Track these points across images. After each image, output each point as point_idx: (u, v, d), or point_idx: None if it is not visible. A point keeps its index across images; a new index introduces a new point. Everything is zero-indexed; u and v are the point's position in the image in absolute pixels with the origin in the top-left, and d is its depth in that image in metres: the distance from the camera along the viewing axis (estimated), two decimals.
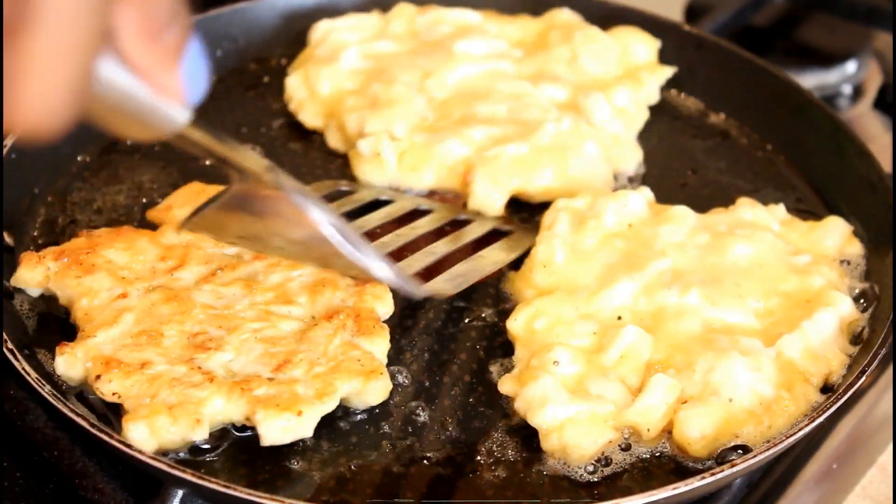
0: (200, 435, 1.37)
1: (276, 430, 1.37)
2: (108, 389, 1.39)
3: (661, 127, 1.93)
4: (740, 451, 1.40)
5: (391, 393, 1.47)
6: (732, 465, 1.35)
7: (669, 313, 1.51)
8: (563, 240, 1.61)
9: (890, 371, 1.65)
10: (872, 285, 1.62)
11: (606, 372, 1.46)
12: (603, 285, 1.54)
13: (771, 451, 1.37)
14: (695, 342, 1.48)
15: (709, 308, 1.51)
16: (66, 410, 1.36)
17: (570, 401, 1.42)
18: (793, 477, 1.52)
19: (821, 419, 1.40)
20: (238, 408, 1.38)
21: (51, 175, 1.75)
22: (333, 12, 2.01)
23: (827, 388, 1.48)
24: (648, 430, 1.41)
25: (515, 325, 1.53)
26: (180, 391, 1.38)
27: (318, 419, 1.39)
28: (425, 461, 1.42)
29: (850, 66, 2.24)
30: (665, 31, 2.02)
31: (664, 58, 2.00)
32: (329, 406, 1.40)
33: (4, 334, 1.43)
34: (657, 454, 1.42)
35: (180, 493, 1.35)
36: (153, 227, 1.63)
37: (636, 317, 1.52)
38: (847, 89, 2.24)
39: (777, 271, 1.57)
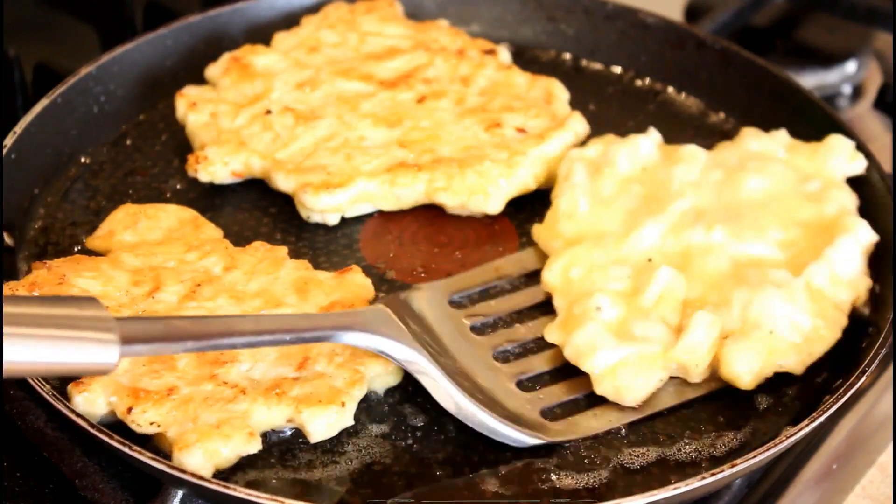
0: (255, 447, 1.36)
1: (324, 425, 1.39)
2: (144, 420, 1.36)
3: (661, 127, 1.93)
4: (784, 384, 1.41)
5: (391, 393, 1.48)
6: (732, 466, 1.35)
7: (697, 251, 1.56)
8: (584, 189, 1.65)
9: (890, 371, 1.65)
10: (872, 285, 1.62)
11: (647, 313, 1.50)
12: (629, 230, 1.60)
13: (771, 451, 1.37)
14: (726, 278, 1.53)
15: (734, 243, 1.57)
16: (66, 410, 1.36)
17: (618, 344, 1.46)
18: (793, 477, 1.52)
19: (821, 419, 1.40)
20: (280, 412, 1.38)
21: (51, 176, 1.75)
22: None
23: (855, 314, 1.55)
24: (697, 365, 1.46)
25: (551, 275, 1.57)
26: (219, 408, 1.37)
27: (356, 407, 1.42)
28: (425, 461, 1.42)
29: (850, 66, 2.24)
30: (665, 31, 2.02)
31: (664, 58, 2.01)
32: (363, 392, 1.43)
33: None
34: (654, 460, 1.43)
35: (180, 493, 1.35)
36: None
37: (665, 258, 1.57)
38: (847, 89, 2.23)
39: (792, 201, 1.62)
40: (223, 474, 1.37)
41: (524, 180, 1.73)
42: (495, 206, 1.71)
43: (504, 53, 1.95)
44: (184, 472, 1.31)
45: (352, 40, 1.93)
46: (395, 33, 1.95)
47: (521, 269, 1.64)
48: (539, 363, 1.52)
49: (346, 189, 1.68)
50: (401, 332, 1.42)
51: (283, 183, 1.70)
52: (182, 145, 1.82)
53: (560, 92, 1.88)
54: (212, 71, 1.88)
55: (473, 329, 1.55)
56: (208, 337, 1.26)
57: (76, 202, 1.74)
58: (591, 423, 1.45)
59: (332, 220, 1.70)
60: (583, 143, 1.80)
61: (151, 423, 1.36)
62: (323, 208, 1.68)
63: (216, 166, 1.72)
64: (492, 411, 1.42)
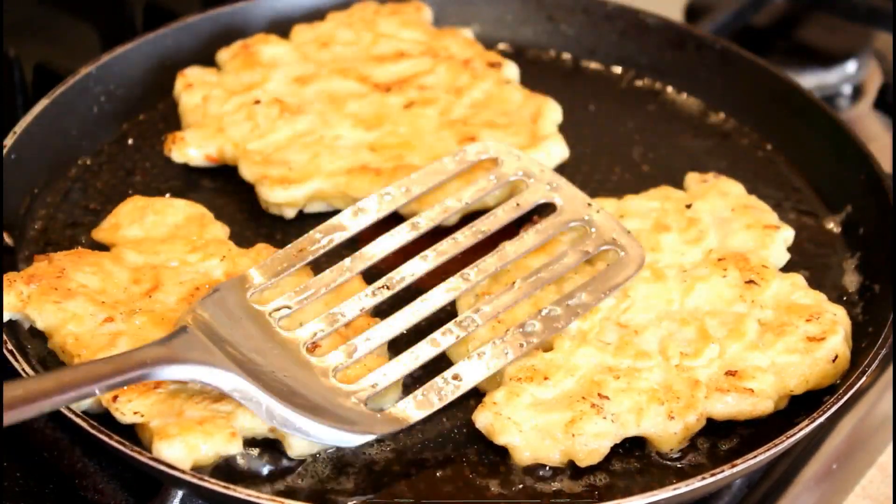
0: (235, 448, 1.36)
1: (305, 441, 1.37)
2: (128, 410, 1.36)
3: (661, 127, 1.93)
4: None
5: None
6: (732, 466, 1.35)
7: None
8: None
9: (890, 371, 1.66)
10: (872, 285, 1.62)
11: None
12: None
13: (771, 452, 1.37)
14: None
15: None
16: (65, 410, 1.36)
17: None
18: (793, 477, 1.52)
19: (821, 419, 1.40)
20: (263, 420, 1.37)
21: (51, 176, 1.75)
22: (329, 12, 2.01)
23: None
24: None
25: None
26: (205, 406, 1.37)
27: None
28: (425, 461, 1.42)
29: (850, 66, 2.24)
30: (665, 31, 2.02)
31: (664, 58, 2.01)
32: None
33: (4, 335, 1.43)
34: (654, 460, 1.43)
35: (180, 493, 1.35)
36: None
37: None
38: (847, 89, 2.24)
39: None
40: (223, 474, 1.37)
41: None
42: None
43: (511, 68, 1.91)
44: (184, 472, 1.31)
45: (365, 40, 1.93)
46: (409, 38, 1.94)
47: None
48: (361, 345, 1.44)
49: (301, 186, 1.68)
50: (211, 353, 1.33)
51: (246, 172, 1.71)
52: None
53: (550, 112, 1.82)
54: (222, 55, 1.90)
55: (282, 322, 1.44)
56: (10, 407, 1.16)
57: (76, 202, 1.74)
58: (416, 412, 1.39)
59: (289, 213, 1.71)
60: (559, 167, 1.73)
61: (135, 413, 1.36)
62: (277, 202, 1.69)
63: (191, 148, 1.74)
64: (314, 416, 1.33)
